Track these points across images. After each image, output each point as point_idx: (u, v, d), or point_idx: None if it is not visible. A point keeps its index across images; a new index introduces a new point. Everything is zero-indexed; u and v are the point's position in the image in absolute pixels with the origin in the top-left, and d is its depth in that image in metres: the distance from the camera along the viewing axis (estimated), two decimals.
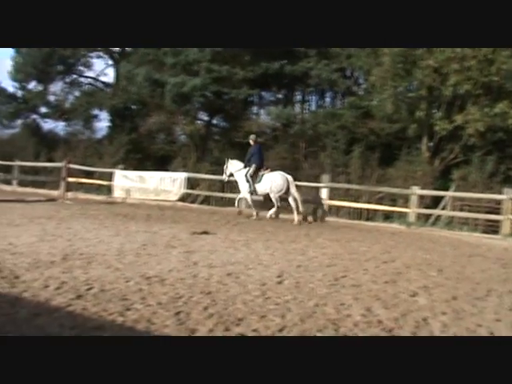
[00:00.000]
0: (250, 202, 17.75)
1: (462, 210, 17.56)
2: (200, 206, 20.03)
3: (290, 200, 17.10)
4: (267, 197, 17.44)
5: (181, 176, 20.31)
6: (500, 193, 16.37)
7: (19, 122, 32.85)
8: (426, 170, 20.48)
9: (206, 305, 5.68)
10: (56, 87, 33.17)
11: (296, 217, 16.65)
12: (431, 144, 22.02)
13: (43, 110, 32.66)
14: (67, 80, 33.46)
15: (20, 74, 30.98)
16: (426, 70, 19.71)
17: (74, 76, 33.73)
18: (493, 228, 16.09)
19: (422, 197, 17.45)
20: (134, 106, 30.86)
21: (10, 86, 31.96)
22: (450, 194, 17.96)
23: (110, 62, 33.66)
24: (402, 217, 17.30)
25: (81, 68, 33.64)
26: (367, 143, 22.94)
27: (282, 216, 17.20)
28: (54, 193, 21.68)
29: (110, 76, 34.14)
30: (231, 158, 18.45)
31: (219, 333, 4.84)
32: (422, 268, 9.06)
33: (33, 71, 30.65)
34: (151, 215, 15.64)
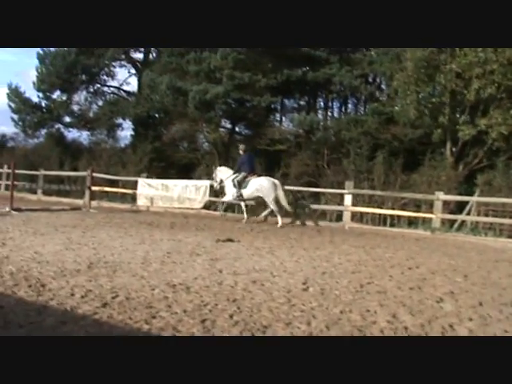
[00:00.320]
0: (242, 207, 18.30)
1: (486, 215, 17.43)
2: (224, 213, 20.06)
3: (275, 204, 17.47)
4: (259, 202, 18.18)
5: (204, 184, 20.32)
6: None
7: (44, 131, 33.10)
8: (450, 175, 20.36)
9: (232, 312, 5.69)
10: (80, 97, 33.44)
11: (280, 219, 17.08)
12: (455, 149, 21.90)
13: (67, 119, 32.93)
14: (91, 89, 33.69)
15: (44, 84, 31.14)
16: (448, 74, 19.64)
17: (98, 85, 33.95)
18: None
19: (446, 202, 17.35)
20: (157, 115, 30.95)
21: (35, 96, 32.24)
22: (474, 199, 17.81)
23: (133, 71, 33.85)
24: (426, 222, 17.20)
25: (104, 77, 33.86)
26: (390, 149, 22.85)
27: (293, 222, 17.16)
28: (79, 202, 21.80)
29: (133, 85, 34.37)
30: (219, 166, 19.43)
31: None
32: (447, 274, 9.00)
33: (57, 81, 30.82)
34: (175, 223, 15.67)
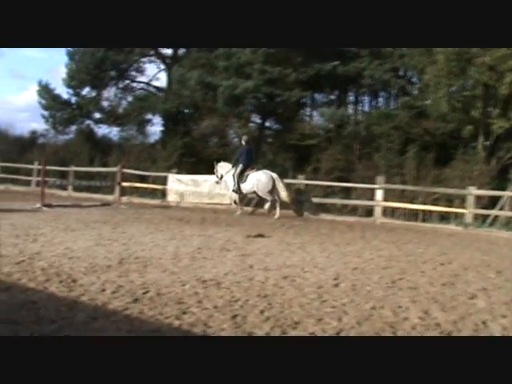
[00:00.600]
0: (236, 199, 18.79)
1: None
2: (254, 208, 20.06)
3: (275, 197, 18.03)
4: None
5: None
6: None
7: (74, 128, 33.19)
8: (482, 169, 20.14)
9: (263, 308, 5.71)
10: (109, 93, 33.48)
11: (278, 212, 17.73)
12: (488, 143, 21.67)
13: (97, 115, 32.96)
14: (120, 85, 33.70)
15: (74, 80, 31.25)
16: (481, 67, 19.40)
17: (127, 81, 33.94)
18: None
19: (478, 197, 17.18)
20: (186, 110, 30.97)
21: (65, 93, 32.36)
22: (507, 193, 17.64)
23: (162, 67, 33.75)
24: (458, 218, 17.08)
25: (133, 73, 33.90)
26: (422, 143, 22.64)
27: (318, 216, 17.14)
28: (109, 197, 22.00)
29: (162, 80, 34.42)
30: (222, 161, 19.77)
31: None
32: (480, 270, 8.94)
33: (86, 77, 30.92)
34: (206, 219, 15.73)
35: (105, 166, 27.02)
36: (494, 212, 17.34)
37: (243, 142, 19.05)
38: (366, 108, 30.22)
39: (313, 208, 19.06)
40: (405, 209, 18.40)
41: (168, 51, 33.29)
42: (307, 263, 8.68)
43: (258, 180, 18.05)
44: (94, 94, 32.66)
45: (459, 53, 19.60)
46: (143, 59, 33.42)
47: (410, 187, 19.03)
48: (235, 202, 19.02)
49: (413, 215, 18.43)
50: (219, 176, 19.20)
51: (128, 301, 5.74)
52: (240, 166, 18.30)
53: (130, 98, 33.81)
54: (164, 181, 21.95)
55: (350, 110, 29.77)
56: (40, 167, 21.56)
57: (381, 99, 30.15)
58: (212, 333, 4.84)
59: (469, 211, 16.55)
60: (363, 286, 7.03)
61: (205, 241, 10.77)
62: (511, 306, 6.33)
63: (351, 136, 25.57)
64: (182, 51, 32.40)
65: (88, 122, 33.14)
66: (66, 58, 32.09)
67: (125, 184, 21.78)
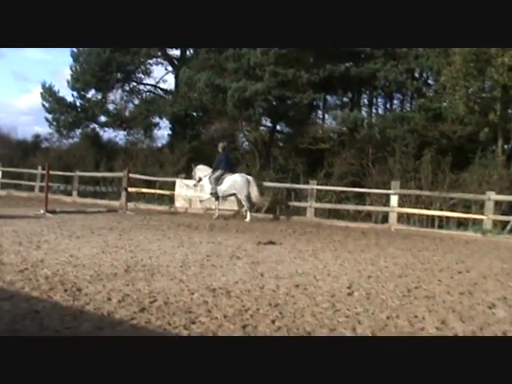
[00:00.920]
0: (213, 203, 19.46)
1: None
2: (265, 214, 20.07)
3: (247, 200, 18.69)
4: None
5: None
6: None
7: (78, 131, 33.32)
8: (501, 174, 20.06)
9: (274, 318, 5.69)
10: (115, 95, 33.65)
11: (248, 215, 18.33)
12: (507, 146, 21.61)
13: (102, 118, 33.16)
14: (126, 88, 33.86)
15: (78, 82, 31.37)
16: (500, 68, 19.34)
17: (133, 83, 34.08)
18: None
19: (498, 202, 17.14)
20: (195, 113, 31.06)
21: (69, 95, 32.50)
22: None
23: (170, 69, 33.84)
24: (476, 224, 17.02)
25: (140, 75, 34.04)
26: (438, 147, 22.61)
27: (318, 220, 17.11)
28: (115, 203, 22.02)
29: (169, 83, 34.43)
30: (201, 164, 20.38)
31: None
32: (499, 278, 8.90)
33: (91, 79, 31.01)
34: (215, 225, 15.75)
35: (111, 170, 27.08)
36: None
37: (220, 150, 19.77)
38: (381, 111, 30.27)
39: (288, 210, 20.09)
40: (421, 215, 18.38)
41: (175, 52, 33.42)
42: (320, 271, 8.67)
43: (235, 181, 18.70)
44: (99, 96, 32.79)
45: (477, 53, 19.55)
46: (150, 61, 33.54)
47: (425, 192, 18.99)
48: (212, 208, 19.60)
49: (429, 221, 18.41)
50: (197, 179, 19.83)
51: (135, 310, 5.72)
52: (219, 172, 18.98)
53: (136, 101, 33.96)
54: (172, 186, 21.98)
55: (364, 112, 29.72)
56: (44, 172, 21.67)
57: (396, 101, 30.18)
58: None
59: (487, 217, 16.50)
60: (378, 295, 7.01)
61: (214, 248, 10.78)
62: None
63: (365, 140, 25.52)
64: (189, 52, 32.46)
65: (93, 125, 33.32)
66: (70, 60, 32.34)
67: (131, 189, 21.83)
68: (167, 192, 22.26)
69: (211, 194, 19.09)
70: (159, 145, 33.10)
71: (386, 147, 24.48)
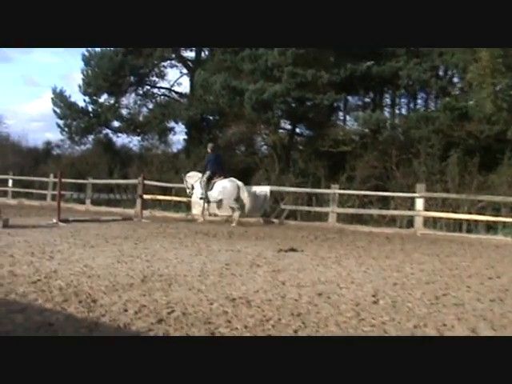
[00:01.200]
0: (201, 208, 19.89)
1: None
2: (285, 221, 20.06)
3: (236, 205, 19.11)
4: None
5: (264, 190, 20.37)
6: None
7: (91, 137, 33.15)
8: None
9: (296, 327, 5.68)
10: (128, 100, 33.41)
11: (236, 219, 18.83)
12: None
13: (116, 124, 32.88)
14: (140, 92, 33.63)
15: (90, 87, 31.15)
16: None
17: (147, 87, 33.85)
18: None
19: None
20: (211, 117, 30.99)
21: (81, 100, 32.39)
22: None
23: (185, 71, 33.72)
24: (507, 227, 16.93)
25: (154, 78, 33.82)
26: (465, 147, 22.46)
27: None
28: (130, 211, 22.09)
29: (184, 85, 34.37)
30: (191, 172, 21.03)
31: None
32: None
33: (104, 84, 30.84)
34: (234, 232, 15.77)
35: (125, 177, 27.15)
36: None
37: (209, 150, 20.31)
38: (404, 111, 30.06)
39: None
40: (448, 219, 18.28)
41: (190, 54, 33.35)
42: (343, 279, 8.66)
43: (224, 188, 19.07)
44: (112, 101, 32.65)
45: (505, 49, 19.43)
46: (164, 63, 33.34)
47: (452, 195, 18.90)
48: (202, 212, 19.95)
49: (456, 225, 18.30)
50: (190, 187, 20.26)
51: (152, 321, 5.73)
52: (207, 173, 19.37)
53: (150, 105, 33.73)
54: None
55: (387, 113, 29.51)
56: (56, 180, 21.80)
57: (419, 101, 29.93)
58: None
59: None
60: (404, 303, 6.99)
61: (233, 256, 10.79)
62: None
63: (388, 141, 25.39)
64: (205, 54, 32.45)
65: (106, 131, 33.13)
66: (80, 64, 32.05)
67: (146, 196, 21.88)
68: (184, 199, 22.27)
69: (201, 198, 19.58)
70: (175, 150, 33.01)
71: (411, 149, 24.34)
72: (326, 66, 24.99)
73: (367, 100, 30.08)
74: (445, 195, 18.91)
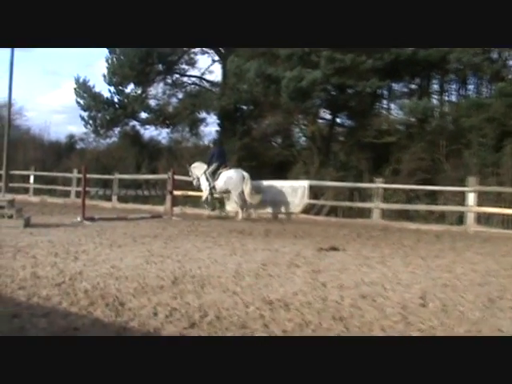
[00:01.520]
0: (209, 201, 20.59)
1: None
2: (326, 217, 20.04)
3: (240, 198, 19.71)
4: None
5: (302, 184, 20.33)
6: None
7: (117, 130, 33.47)
8: None
9: (338, 332, 5.66)
10: (156, 89, 33.53)
11: (240, 213, 19.52)
12: None
13: (143, 115, 33.02)
14: (169, 81, 33.69)
15: (116, 76, 31.34)
16: None
17: (177, 76, 33.92)
18: None
19: None
20: (245, 107, 30.98)
21: (106, 91, 32.46)
22: None
23: (217, 58, 33.61)
24: None
25: (183, 66, 33.88)
26: None
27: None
28: (159, 208, 22.19)
29: (216, 74, 34.26)
30: (196, 162, 21.52)
31: None
32: None
33: (130, 73, 30.90)
34: (270, 230, 15.76)
35: (153, 172, 27.32)
36: None
37: (211, 144, 21.60)
38: (454, 98, 29.82)
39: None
40: (502, 214, 18.12)
41: None
42: (389, 280, 8.62)
43: (230, 178, 19.69)
44: (139, 91, 32.73)
45: None
46: (194, 50, 33.28)
47: (508, 189, 18.73)
48: (206, 202, 20.64)
49: None
50: (195, 178, 20.82)
51: (184, 326, 5.73)
52: (214, 165, 20.04)
53: (180, 95, 33.80)
54: None
55: (435, 100, 29.33)
56: (80, 176, 21.88)
57: (471, 86, 29.69)
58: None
59: None
60: (455, 307, 6.93)
61: (270, 256, 10.79)
62: None
63: (436, 131, 25.23)
64: None
65: (133, 123, 33.32)
66: (105, 51, 31.98)
67: (177, 193, 21.92)
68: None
69: (210, 190, 20.11)
70: (206, 143, 33.10)
71: (461, 139, 24.17)
72: (368, 50, 24.73)
73: (413, 86, 29.87)
74: (499, 189, 18.76)
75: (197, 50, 33.07)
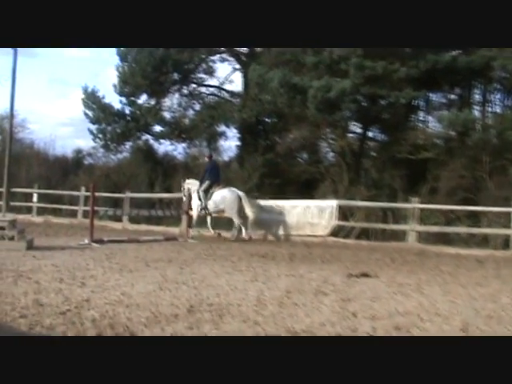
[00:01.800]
0: (209, 222, 21.12)
1: None
2: (356, 241, 20.01)
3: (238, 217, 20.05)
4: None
5: (330, 204, 20.34)
6: None
7: (129, 144, 33.53)
8: None
9: None
10: (172, 100, 33.56)
11: (235, 233, 20.05)
12: None
13: (157, 128, 33.08)
14: (185, 91, 33.69)
15: (127, 86, 31.35)
16: None
17: (194, 86, 33.94)
18: None
19: None
20: (268, 119, 31.06)
21: (116, 102, 32.58)
22: None
23: (237, 66, 33.58)
24: None
25: (201, 75, 33.87)
26: None
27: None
28: (174, 230, 22.22)
29: (237, 83, 34.31)
30: (190, 179, 21.87)
31: None
32: None
33: (143, 82, 30.84)
34: (295, 254, 15.76)
35: (168, 191, 27.36)
36: None
37: (206, 159, 22.02)
38: (498, 109, 29.72)
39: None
40: None
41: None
42: (426, 310, 8.58)
43: (224, 197, 20.02)
44: (152, 102, 32.79)
45: None
46: (213, 57, 33.19)
47: None
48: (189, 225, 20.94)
49: None
50: (186, 195, 21.08)
51: None
52: (206, 183, 20.40)
53: (197, 107, 33.83)
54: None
55: (477, 112, 29.24)
56: (88, 194, 22.02)
57: None
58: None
59: None
60: None
61: (295, 282, 10.79)
62: None
63: (479, 146, 25.11)
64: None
65: (146, 136, 33.37)
66: (116, 59, 32.01)
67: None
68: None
69: (201, 210, 20.53)
70: (226, 158, 33.20)
71: (506, 154, 24.06)
72: (402, 57, 24.62)
73: (453, 97, 29.79)
74: None
75: (216, 57, 33.15)
